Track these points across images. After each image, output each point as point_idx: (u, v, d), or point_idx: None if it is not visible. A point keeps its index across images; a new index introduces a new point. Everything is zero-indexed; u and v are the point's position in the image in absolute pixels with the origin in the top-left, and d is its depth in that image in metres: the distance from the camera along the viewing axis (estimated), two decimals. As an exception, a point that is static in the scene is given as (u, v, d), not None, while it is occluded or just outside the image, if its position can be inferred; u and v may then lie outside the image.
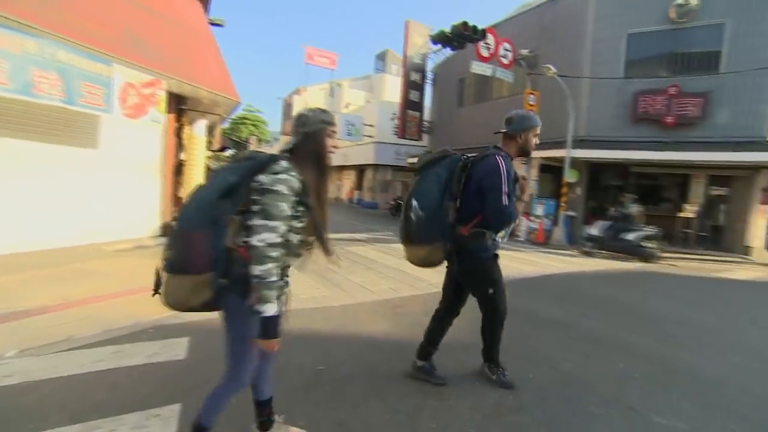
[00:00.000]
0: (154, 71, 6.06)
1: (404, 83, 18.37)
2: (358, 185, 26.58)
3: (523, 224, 12.29)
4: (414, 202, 2.37)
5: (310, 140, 1.58)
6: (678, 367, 3.10)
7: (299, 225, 1.53)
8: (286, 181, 1.42)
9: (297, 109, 36.99)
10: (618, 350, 3.39)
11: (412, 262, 2.51)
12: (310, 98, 37.21)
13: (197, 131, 7.94)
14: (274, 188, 1.40)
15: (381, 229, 12.31)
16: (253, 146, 47.19)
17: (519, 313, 3.92)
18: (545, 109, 12.05)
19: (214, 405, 1.62)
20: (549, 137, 10.88)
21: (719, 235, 11.73)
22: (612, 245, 9.79)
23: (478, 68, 11.19)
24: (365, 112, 23.59)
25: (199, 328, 3.21)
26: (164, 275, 1.49)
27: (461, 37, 9.25)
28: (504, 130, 2.53)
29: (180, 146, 8.22)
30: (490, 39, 10.34)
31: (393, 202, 19.34)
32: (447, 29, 9.42)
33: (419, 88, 18.73)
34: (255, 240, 1.39)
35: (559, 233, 11.53)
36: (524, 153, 2.55)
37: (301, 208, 1.50)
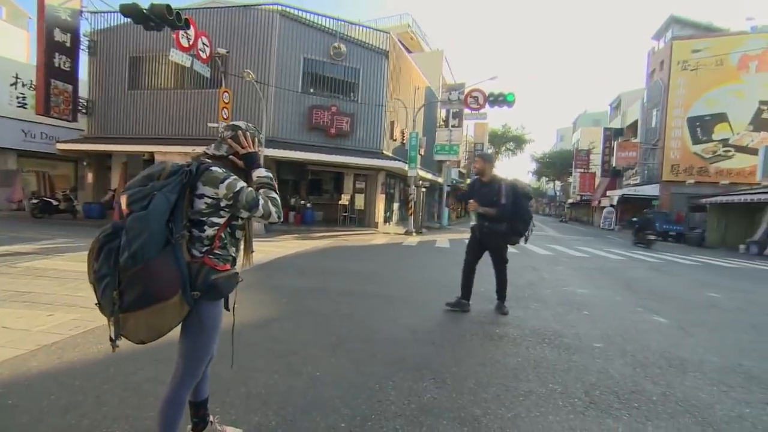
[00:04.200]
0: None
1: (43, 42, 13.72)
2: (-53, 177, 17.35)
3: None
4: None
5: (229, 147, 1.66)
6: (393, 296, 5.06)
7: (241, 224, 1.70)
8: (237, 180, 1.54)
9: None
10: (353, 295, 5.01)
11: None
12: None
13: None
14: (237, 188, 1.51)
15: (43, 237, 9.24)
16: None
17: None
18: (237, 108, 12.92)
19: (175, 413, 1.60)
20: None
21: (362, 216, 16.76)
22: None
23: (177, 57, 10.47)
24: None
25: None
26: (125, 316, 1.43)
27: (161, 20, 8.48)
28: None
29: None
30: (191, 30, 9.98)
31: (36, 200, 14.36)
32: (142, 5, 8.36)
33: (70, 54, 14.60)
34: (259, 216, 1.54)
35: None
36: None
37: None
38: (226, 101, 12.34)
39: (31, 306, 3.93)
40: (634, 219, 17.11)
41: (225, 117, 11.95)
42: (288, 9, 14.71)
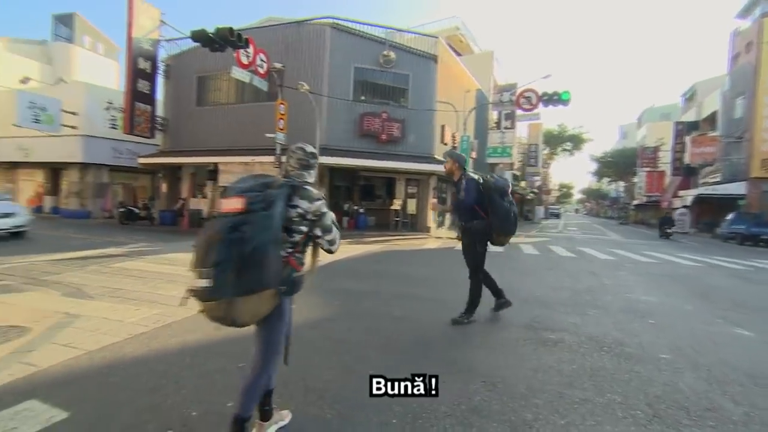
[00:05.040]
0: None
1: (130, 70, 15.55)
2: (53, 189, 20.07)
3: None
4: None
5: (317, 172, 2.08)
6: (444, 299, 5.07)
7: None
8: (325, 205, 1.90)
9: None
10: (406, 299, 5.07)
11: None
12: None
13: None
14: (323, 211, 1.87)
15: (129, 241, 10.39)
16: None
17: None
18: (292, 119, 13.60)
19: (251, 396, 1.87)
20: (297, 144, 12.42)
21: (414, 221, 16.81)
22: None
23: (238, 74, 11.36)
24: (62, 94, 18.12)
25: (28, 386, 2.57)
26: (237, 300, 1.60)
27: (225, 41, 9.24)
28: None
29: None
30: (250, 48, 10.75)
31: (122, 209, 16.12)
32: (209, 30, 9.16)
33: (150, 78, 16.34)
34: (327, 239, 1.92)
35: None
36: None
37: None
38: (282, 112, 13.05)
39: (122, 301, 4.49)
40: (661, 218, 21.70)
41: (281, 127, 12.65)
42: (338, 21, 15.28)
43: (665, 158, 33.21)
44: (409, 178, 16.56)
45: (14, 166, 20.68)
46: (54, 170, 19.95)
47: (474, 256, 4.13)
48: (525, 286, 6.19)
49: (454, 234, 16.14)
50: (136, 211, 16.28)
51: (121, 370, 2.77)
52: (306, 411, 2.28)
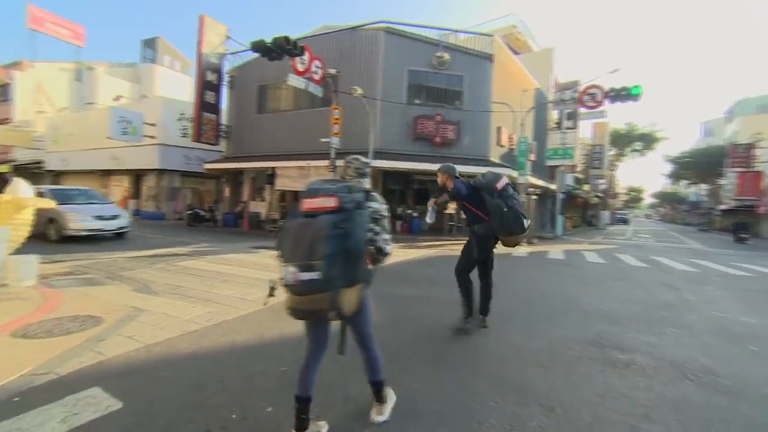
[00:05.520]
0: None
1: (199, 83, 16.84)
2: (136, 193, 22.25)
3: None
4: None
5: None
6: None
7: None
8: (386, 210, 2.09)
9: (23, 89, 27.96)
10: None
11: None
12: (46, 79, 28.25)
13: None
14: (385, 213, 2.05)
15: (194, 241, 11.13)
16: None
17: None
18: (346, 123, 13.81)
19: (377, 364, 2.18)
20: (351, 148, 12.57)
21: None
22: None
23: (294, 81, 11.77)
24: (144, 108, 20.06)
25: (95, 373, 2.72)
26: (344, 291, 1.78)
27: (282, 50, 9.61)
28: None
29: None
30: (306, 55, 11.09)
31: (190, 211, 17.39)
32: (267, 39, 9.59)
33: (216, 89, 17.54)
34: (383, 238, 2.01)
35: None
36: None
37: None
38: (337, 117, 13.31)
39: (181, 298, 4.73)
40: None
41: (336, 132, 12.90)
42: (391, 25, 15.32)
43: (763, 156, 29.20)
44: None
45: (108, 173, 23.24)
46: (137, 176, 22.10)
47: (467, 256, 3.84)
48: (588, 297, 5.64)
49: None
50: (202, 213, 17.46)
51: (172, 365, 2.87)
52: (343, 423, 2.17)
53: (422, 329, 3.92)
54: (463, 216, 4.23)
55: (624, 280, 7.34)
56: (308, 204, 1.83)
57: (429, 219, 3.98)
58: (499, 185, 3.66)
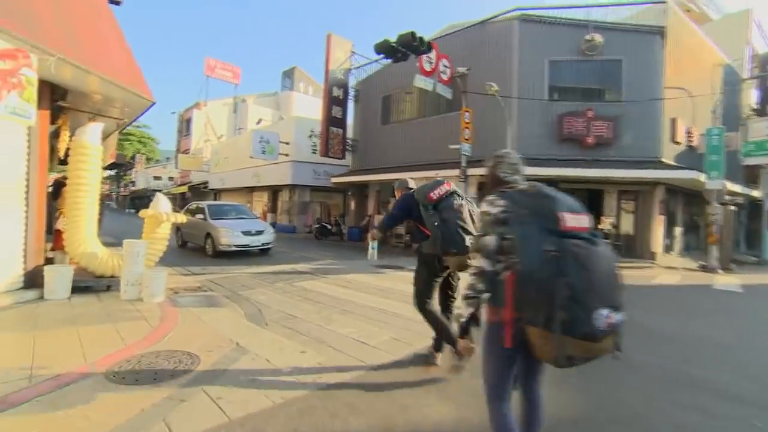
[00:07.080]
0: (20, 37, 4.04)
1: (326, 99, 17.34)
2: (272, 207, 24.32)
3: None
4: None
5: None
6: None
7: None
8: None
9: (198, 124, 33.63)
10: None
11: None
12: (213, 113, 33.83)
13: (90, 138, 5.66)
14: None
15: (318, 257, 10.86)
16: (140, 166, 41.01)
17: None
18: (476, 129, 12.21)
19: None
20: (483, 155, 10.87)
21: (631, 243, 12.95)
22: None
23: (421, 82, 10.79)
24: (279, 129, 21.84)
25: None
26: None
27: (408, 47, 8.67)
28: None
29: (55, 158, 5.93)
30: (432, 53, 10.01)
31: (317, 225, 17.87)
32: (392, 39, 8.77)
33: (342, 104, 17.87)
34: None
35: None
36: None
37: None
38: (468, 121, 11.87)
39: (291, 335, 3.88)
40: None
41: (467, 137, 11.45)
42: (527, 12, 13.27)
43: None
44: (623, 189, 12.91)
45: (251, 189, 26.10)
46: (274, 191, 24.16)
47: (416, 283, 3.21)
48: None
49: (692, 263, 11.67)
50: (329, 227, 17.76)
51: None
52: None
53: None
54: None
55: None
56: (575, 221, 1.44)
57: (370, 257, 3.46)
58: (435, 195, 3.02)
